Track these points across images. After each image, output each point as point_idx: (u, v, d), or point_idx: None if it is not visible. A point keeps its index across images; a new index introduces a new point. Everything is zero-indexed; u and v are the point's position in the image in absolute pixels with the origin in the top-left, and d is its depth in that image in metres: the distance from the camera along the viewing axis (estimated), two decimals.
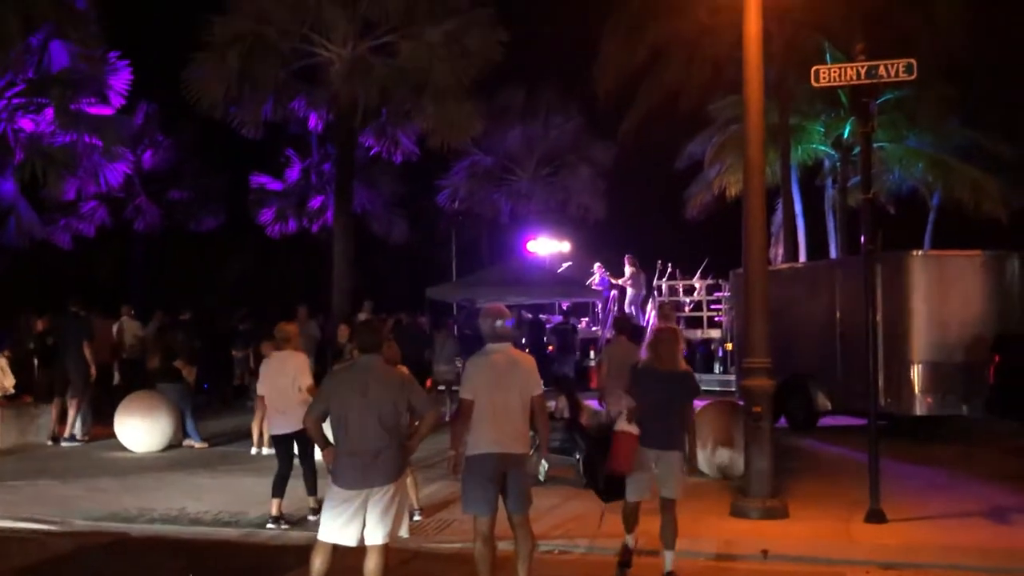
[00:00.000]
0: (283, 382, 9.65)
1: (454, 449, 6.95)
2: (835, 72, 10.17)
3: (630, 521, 7.82)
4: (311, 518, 9.55)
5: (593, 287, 25.94)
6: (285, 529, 9.47)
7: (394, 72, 21.27)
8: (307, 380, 9.67)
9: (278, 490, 9.68)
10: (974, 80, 24.00)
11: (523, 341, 20.97)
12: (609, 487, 7.95)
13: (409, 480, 8.45)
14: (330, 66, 21.61)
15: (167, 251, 33.07)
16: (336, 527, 6.41)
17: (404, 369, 8.19)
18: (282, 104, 23.01)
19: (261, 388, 10.06)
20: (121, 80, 23.20)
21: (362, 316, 18.67)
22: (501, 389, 6.87)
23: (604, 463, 7.87)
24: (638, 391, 7.77)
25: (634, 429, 7.56)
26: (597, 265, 26.59)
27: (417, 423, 6.63)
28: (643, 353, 8.02)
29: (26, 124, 22.20)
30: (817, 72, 10.25)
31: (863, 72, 9.81)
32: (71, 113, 22.06)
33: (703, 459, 11.42)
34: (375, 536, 6.43)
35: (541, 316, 26.08)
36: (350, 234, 22.64)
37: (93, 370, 15.22)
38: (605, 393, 12.19)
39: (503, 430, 6.86)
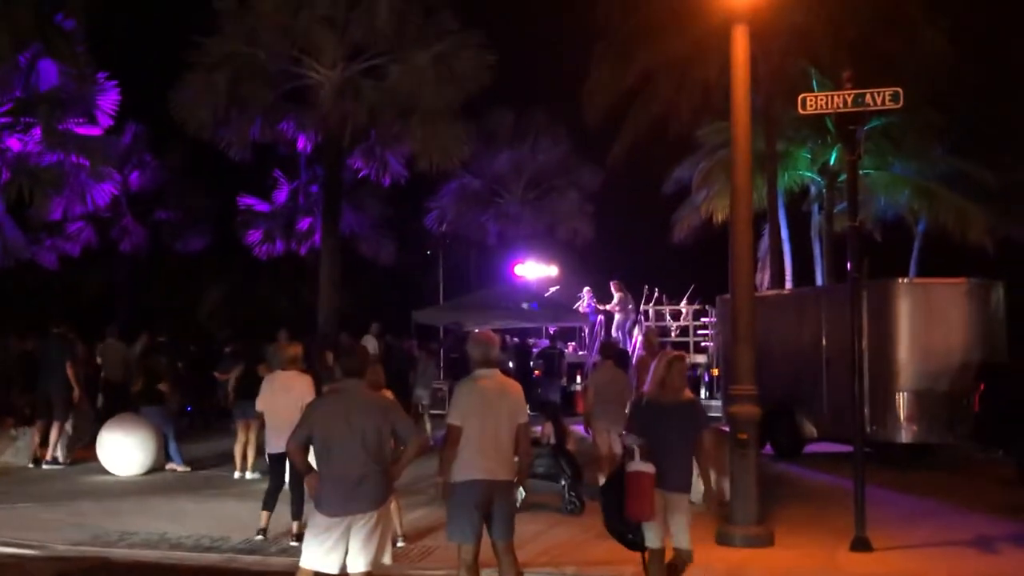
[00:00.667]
0: (287, 401, 9.59)
1: (442, 476, 6.88)
2: (822, 100, 10.22)
3: None
4: (293, 543, 9.52)
5: (581, 311, 25.97)
6: (270, 552, 9.41)
7: (383, 94, 21.29)
8: (311, 397, 9.71)
9: (269, 504, 9.85)
10: (959, 108, 24.16)
11: (510, 366, 20.94)
12: (637, 533, 7.28)
13: (393, 506, 8.38)
14: (319, 88, 21.61)
15: (153, 272, 32.94)
16: (319, 554, 6.35)
17: (389, 393, 8.18)
18: (270, 125, 22.98)
19: (262, 404, 10.05)
20: (109, 100, 23.18)
21: (370, 339, 18.61)
22: (490, 415, 6.83)
23: (621, 508, 7.19)
24: (642, 427, 7.30)
25: (650, 468, 7.02)
26: (586, 289, 26.64)
27: (401, 449, 6.58)
28: (647, 386, 7.48)
29: (13, 143, 22.13)
30: (804, 100, 10.30)
31: (850, 100, 9.86)
32: (58, 133, 22.01)
33: None
34: (357, 564, 6.36)
35: (529, 340, 26.09)
36: (337, 256, 22.59)
37: (77, 392, 15.09)
38: (591, 419, 12.16)
39: (491, 456, 6.82)
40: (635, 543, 7.30)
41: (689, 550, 7.30)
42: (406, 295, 34.82)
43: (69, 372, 14.90)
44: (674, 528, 7.23)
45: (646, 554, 7.32)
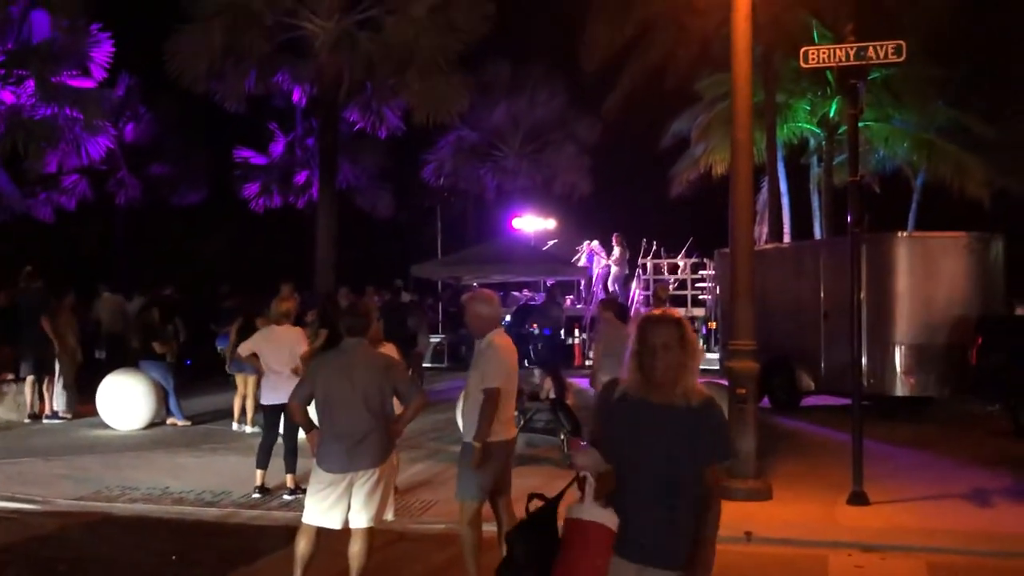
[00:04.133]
0: (283, 354, 9.90)
1: (482, 439, 6.59)
2: (824, 53, 10.10)
3: None
4: (286, 497, 9.62)
5: (582, 265, 26.04)
6: (271, 507, 9.47)
7: (379, 46, 21.08)
8: (304, 347, 10.08)
9: (262, 462, 9.93)
10: (959, 60, 23.97)
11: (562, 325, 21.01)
12: None
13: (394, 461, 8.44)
14: (315, 39, 21.39)
15: (149, 225, 32.81)
16: (321, 510, 6.39)
17: (391, 348, 8.19)
18: (266, 78, 22.79)
19: (245, 350, 10.13)
20: (102, 52, 22.99)
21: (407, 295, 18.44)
22: (510, 376, 6.87)
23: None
24: (608, 440, 3.94)
25: (609, 519, 3.80)
26: (586, 243, 26.68)
27: (403, 407, 6.60)
28: (624, 368, 3.92)
29: (6, 96, 21.97)
30: (806, 53, 10.18)
31: (852, 53, 9.74)
32: (52, 85, 21.84)
33: None
34: (360, 520, 6.41)
35: (525, 292, 26.23)
36: (334, 209, 22.51)
37: (56, 346, 14.90)
38: (598, 373, 12.10)
39: (506, 416, 6.87)
40: None
41: None
42: (404, 248, 34.77)
43: (45, 326, 14.78)
44: None
45: None
